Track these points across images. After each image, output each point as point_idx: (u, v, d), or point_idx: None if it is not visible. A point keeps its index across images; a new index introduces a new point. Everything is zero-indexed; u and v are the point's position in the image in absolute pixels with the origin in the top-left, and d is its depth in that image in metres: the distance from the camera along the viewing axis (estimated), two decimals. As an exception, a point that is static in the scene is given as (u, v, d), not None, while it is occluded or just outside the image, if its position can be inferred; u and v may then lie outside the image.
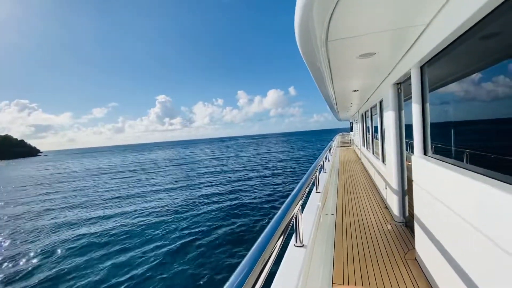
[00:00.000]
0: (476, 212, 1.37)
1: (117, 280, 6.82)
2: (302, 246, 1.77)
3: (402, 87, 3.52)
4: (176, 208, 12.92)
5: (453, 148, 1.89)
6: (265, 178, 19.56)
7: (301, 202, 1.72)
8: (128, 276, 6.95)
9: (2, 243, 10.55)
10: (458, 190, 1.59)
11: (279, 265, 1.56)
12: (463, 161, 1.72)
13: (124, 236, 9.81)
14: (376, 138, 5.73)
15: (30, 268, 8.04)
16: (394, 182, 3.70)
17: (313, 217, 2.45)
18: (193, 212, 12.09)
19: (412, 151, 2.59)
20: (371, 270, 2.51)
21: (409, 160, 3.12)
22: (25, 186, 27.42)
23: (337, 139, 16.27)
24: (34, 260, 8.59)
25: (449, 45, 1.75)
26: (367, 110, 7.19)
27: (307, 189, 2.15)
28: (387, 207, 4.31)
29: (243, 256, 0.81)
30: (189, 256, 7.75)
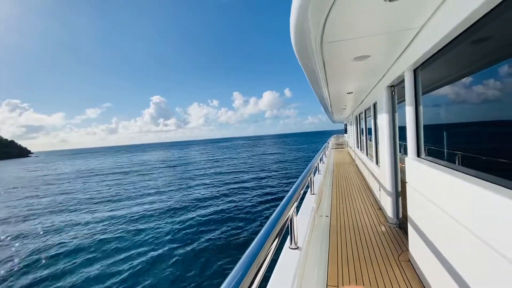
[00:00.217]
0: (469, 214, 1.39)
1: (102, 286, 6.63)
2: (297, 248, 1.76)
3: (395, 89, 3.57)
4: (168, 212, 12.71)
5: (445, 150, 1.91)
6: (260, 180, 19.50)
7: (296, 203, 1.71)
8: (116, 281, 6.78)
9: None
10: (450, 192, 1.60)
11: (274, 267, 1.54)
12: (455, 163, 1.74)
13: (113, 241, 9.50)
14: (370, 140, 5.79)
15: (11, 274, 7.75)
16: (387, 183, 3.74)
17: (308, 219, 2.45)
18: (186, 215, 11.89)
19: (405, 153, 2.62)
20: (365, 271, 2.52)
21: (402, 162, 3.15)
22: (11, 188, 26.65)
23: (332, 141, 16.40)
24: (14, 267, 8.24)
25: (441, 48, 1.78)
26: (361, 112, 7.27)
27: (302, 191, 2.15)
28: (381, 209, 4.35)
29: (238, 259, 0.80)
30: (181, 261, 7.59)
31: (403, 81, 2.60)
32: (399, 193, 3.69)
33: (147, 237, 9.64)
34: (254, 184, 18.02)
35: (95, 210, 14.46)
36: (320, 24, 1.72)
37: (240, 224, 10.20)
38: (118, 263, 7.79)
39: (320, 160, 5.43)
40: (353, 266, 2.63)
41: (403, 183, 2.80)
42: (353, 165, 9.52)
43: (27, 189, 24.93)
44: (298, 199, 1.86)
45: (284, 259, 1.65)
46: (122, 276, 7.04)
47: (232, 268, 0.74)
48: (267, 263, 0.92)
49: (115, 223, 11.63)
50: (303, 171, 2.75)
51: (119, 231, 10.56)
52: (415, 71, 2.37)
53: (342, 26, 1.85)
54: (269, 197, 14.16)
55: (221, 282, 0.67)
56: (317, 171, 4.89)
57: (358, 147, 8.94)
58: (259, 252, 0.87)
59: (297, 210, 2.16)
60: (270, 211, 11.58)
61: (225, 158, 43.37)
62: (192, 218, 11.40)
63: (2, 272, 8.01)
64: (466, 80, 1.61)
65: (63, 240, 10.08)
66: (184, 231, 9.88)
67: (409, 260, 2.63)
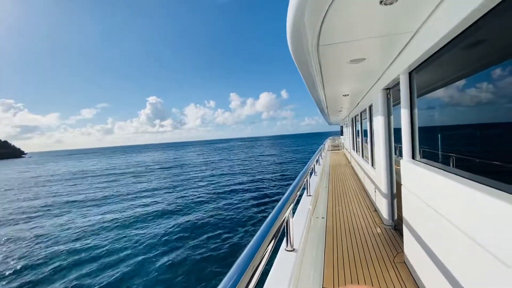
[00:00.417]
0: (463, 216, 1.40)
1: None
2: (293, 250, 1.76)
3: (391, 92, 3.60)
4: (162, 214, 12.57)
5: (440, 152, 1.93)
6: (256, 182, 19.48)
7: (292, 205, 1.70)
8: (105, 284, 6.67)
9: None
10: (445, 193, 1.62)
11: (269, 270, 1.53)
12: (449, 165, 1.76)
13: (105, 245, 9.31)
14: (366, 142, 5.83)
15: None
16: (383, 185, 3.76)
17: (304, 220, 2.45)
18: (182, 218, 11.76)
19: (401, 155, 2.64)
20: (360, 273, 2.52)
21: (398, 164, 3.18)
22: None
23: (328, 142, 16.49)
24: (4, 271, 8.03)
25: (436, 52, 1.80)
26: (357, 115, 7.33)
27: (298, 193, 2.15)
28: (376, 211, 4.37)
29: (233, 262, 0.79)
30: (174, 265, 7.49)
31: (398, 83, 2.63)
32: (395, 195, 3.71)
33: (139, 240, 9.47)
34: (251, 186, 17.97)
35: (86, 213, 14.16)
36: (317, 27, 1.73)
37: (235, 227, 10.14)
38: (108, 267, 7.65)
39: (316, 161, 5.45)
40: (349, 267, 2.63)
41: (399, 185, 2.82)
42: (349, 167, 9.57)
43: (16, 191, 24.44)
44: (295, 201, 1.86)
45: (280, 261, 1.64)
46: (111, 279, 6.92)
47: (227, 272, 0.74)
48: (262, 266, 0.91)
49: (107, 226, 11.40)
50: (300, 172, 2.75)
51: (111, 234, 10.37)
52: (410, 74, 2.40)
53: (338, 29, 1.86)
54: (266, 199, 14.14)
55: (216, 286, 0.66)
56: (313, 173, 4.90)
57: (354, 149, 8.99)
58: (254, 254, 0.86)
59: (293, 212, 2.15)
60: (266, 213, 11.55)
61: (222, 159, 43.25)
62: (188, 221, 11.26)
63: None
64: (461, 82, 1.63)
65: (50, 244, 9.86)
66: (179, 234, 9.76)
67: (404, 262, 2.64)
